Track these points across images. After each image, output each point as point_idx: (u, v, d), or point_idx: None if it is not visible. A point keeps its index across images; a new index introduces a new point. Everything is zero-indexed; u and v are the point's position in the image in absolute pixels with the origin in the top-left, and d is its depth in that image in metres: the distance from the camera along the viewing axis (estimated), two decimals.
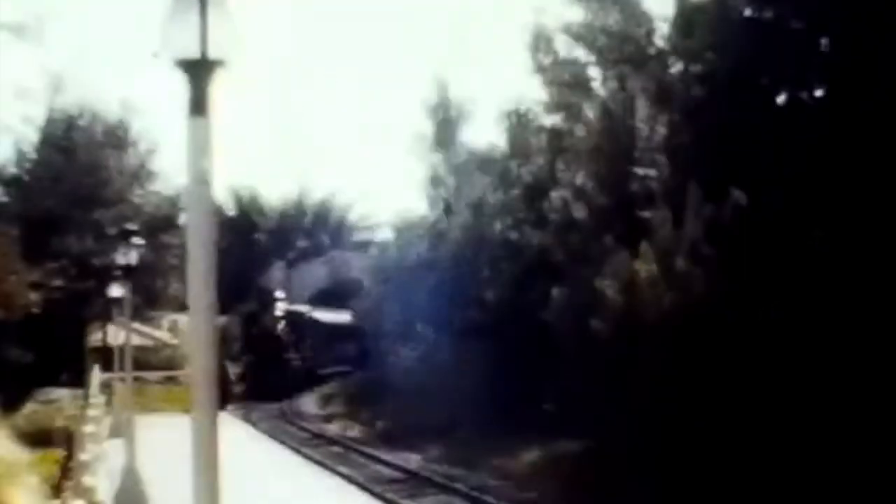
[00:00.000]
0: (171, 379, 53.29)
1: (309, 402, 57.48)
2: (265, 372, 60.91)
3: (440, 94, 49.10)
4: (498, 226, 38.81)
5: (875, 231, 21.18)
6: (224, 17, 6.69)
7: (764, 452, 21.43)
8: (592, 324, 25.74)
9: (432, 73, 49.78)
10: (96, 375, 41.37)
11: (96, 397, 36.42)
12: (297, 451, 35.13)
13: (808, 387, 21.38)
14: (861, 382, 20.74)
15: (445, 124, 48.83)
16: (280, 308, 65.72)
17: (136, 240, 24.66)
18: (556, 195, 30.90)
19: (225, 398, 53.12)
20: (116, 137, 54.72)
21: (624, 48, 29.91)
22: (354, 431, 45.32)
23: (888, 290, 20.73)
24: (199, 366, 6.95)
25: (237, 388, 57.57)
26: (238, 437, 34.42)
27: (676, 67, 28.51)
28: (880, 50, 22.41)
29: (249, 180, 74.63)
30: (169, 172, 55.89)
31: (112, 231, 45.88)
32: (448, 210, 45.58)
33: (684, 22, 27.36)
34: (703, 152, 25.09)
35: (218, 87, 6.77)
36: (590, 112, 30.79)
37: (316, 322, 64.70)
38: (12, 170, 52.53)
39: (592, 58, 32.07)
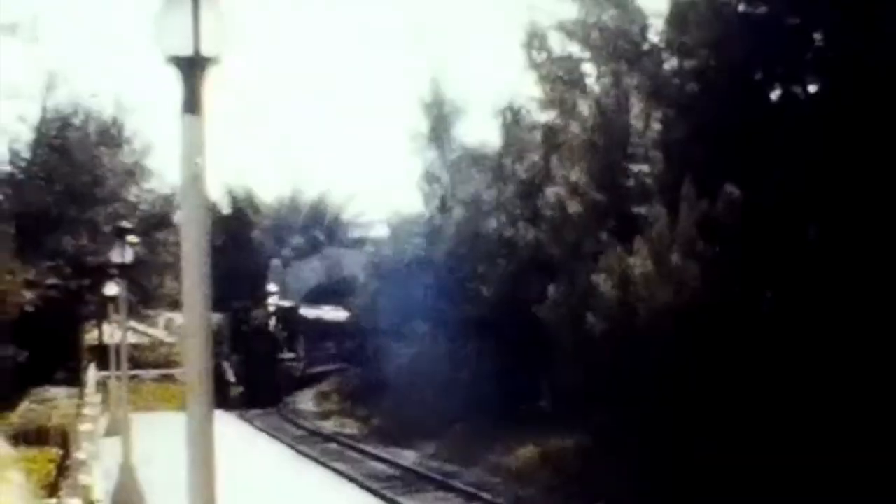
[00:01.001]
0: (167, 377, 53.30)
1: (304, 400, 57.49)
2: (258, 374, 58.03)
3: (435, 90, 49.10)
4: (493, 222, 38.82)
5: (869, 225, 21.20)
6: (217, 14, 6.70)
7: (762, 448, 21.46)
8: (587, 319, 25.76)
9: (427, 69, 49.73)
10: (92, 374, 41.42)
11: (92, 395, 36.49)
12: (293, 448, 35.21)
13: (803, 381, 21.41)
14: (856, 377, 20.77)
15: (440, 121, 48.82)
16: (273, 304, 62.42)
17: (132, 238, 24.68)
18: (550, 191, 30.91)
19: (224, 399, 52.85)
20: (111, 136, 54.64)
21: (618, 45, 29.90)
22: (351, 428, 45.36)
23: (883, 283, 20.76)
24: (193, 363, 6.96)
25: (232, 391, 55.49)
26: (234, 433, 34.41)
27: (670, 63, 28.52)
28: (873, 45, 22.44)
29: (244, 178, 74.46)
30: (164, 170, 55.85)
31: (107, 229, 45.93)
32: (443, 207, 45.61)
33: (678, 18, 27.35)
34: (697, 148, 25.11)
35: (211, 84, 6.78)
36: (584, 108, 30.78)
37: (310, 319, 63.17)
38: (6, 168, 52.44)
39: (586, 54, 32.05)
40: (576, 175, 29.85)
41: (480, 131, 44.77)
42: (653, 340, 23.56)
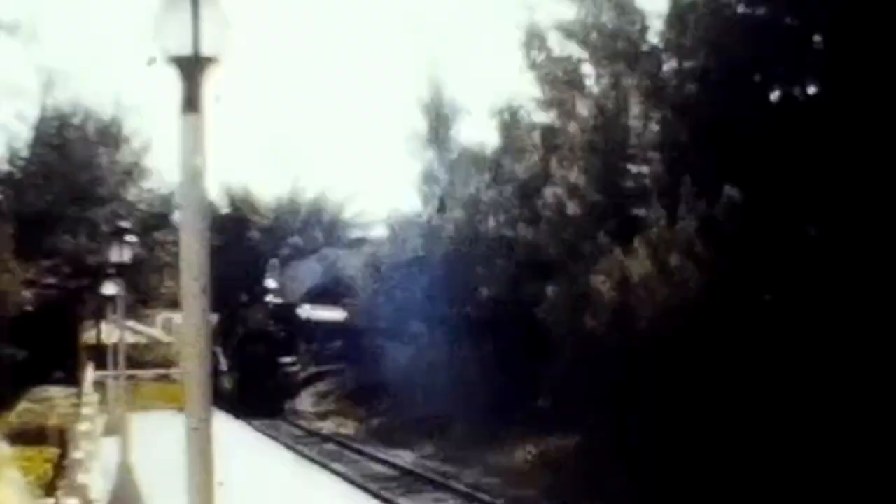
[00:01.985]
0: (164, 376, 53.25)
1: (302, 400, 57.38)
2: (254, 379, 52.69)
3: (433, 91, 49.09)
4: (492, 223, 38.81)
5: (869, 227, 21.18)
6: (216, 13, 6.68)
7: (758, 448, 21.46)
8: (586, 320, 25.75)
9: (426, 70, 49.71)
10: (90, 373, 41.37)
11: (90, 395, 36.42)
12: (292, 449, 35.17)
13: (803, 383, 21.40)
14: (856, 380, 20.75)
15: (439, 121, 48.81)
16: (271, 302, 57.28)
17: (130, 238, 24.66)
18: (549, 192, 30.89)
19: (217, 393, 52.82)
20: (110, 135, 54.67)
21: (617, 45, 29.90)
22: (348, 429, 45.33)
23: (883, 285, 20.74)
24: (192, 366, 6.93)
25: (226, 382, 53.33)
26: (230, 431, 34.38)
27: (670, 64, 28.51)
28: (873, 47, 22.42)
29: (242, 177, 74.46)
30: (162, 170, 55.86)
31: (106, 229, 45.93)
32: (442, 207, 45.57)
33: (678, 19, 27.35)
34: (696, 149, 25.11)
35: (210, 83, 6.76)
36: (583, 109, 30.76)
37: (309, 319, 61.71)
38: (5, 167, 52.46)
39: (586, 55, 32.05)
40: (575, 176, 29.84)
41: (479, 132, 44.71)
42: (652, 342, 23.55)
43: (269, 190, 75.84)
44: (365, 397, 49.66)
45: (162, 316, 64.77)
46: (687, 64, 27.10)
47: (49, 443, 24.16)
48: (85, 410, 30.77)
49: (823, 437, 20.74)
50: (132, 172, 55.63)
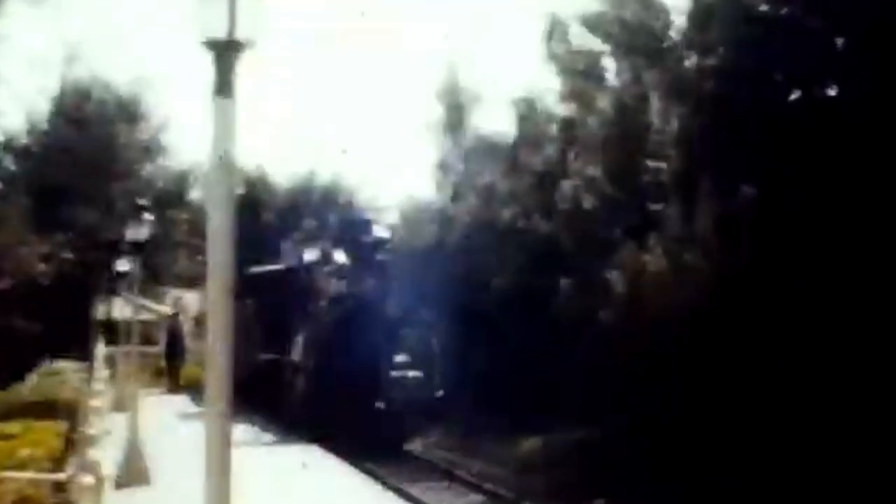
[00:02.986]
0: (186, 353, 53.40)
1: None
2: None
3: (451, 78, 49.05)
4: (506, 213, 38.79)
5: (889, 229, 21.18)
6: None
7: (769, 445, 21.49)
8: (599, 315, 25.79)
9: (445, 57, 49.74)
10: (101, 349, 41.50)
11: (101, 371, 36.54)
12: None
13: (816, 382, 21.41)
14: (868, 381, 20.76)
15: (456, 109, 48.77)
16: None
17: (147, 215, 24.74)
18: (566, 185, 30.92)
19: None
20: (129, 111, 54.77)
21: (639, 40, 29.89)
22: None
23: None
24: (214, 358, 6.95)
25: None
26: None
27: (691, 61, 28.49)
28: (891, 51, 22.42)
29: (258, 158, 74.36)
30: (179, 148, 55.99)
31: (121, 205, 46.05)
32: (456, 195, 45.56)
33: (700, 15, 27.33)
34: (715, 147, 25.10)
35: (243, 67, 6.81)
36: (603, 103, 30.77)
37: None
38: (24, 140, 52.59)
39: (607, 48, 32.05)
40: (592, 169, 29.87)
41: (497, 121, 44.57)
42: (665, 338, 23.58)
43: (284, 171, 75.77)
44: None
45: (173, 294, 64.87)
46: (708, 61, 27.07)
47: (59, 417, 24.17)
48: (96, 386, 30.88)
49: (834, 432, 20.77)
50: (149, 149, 55.75)
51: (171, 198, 54.86)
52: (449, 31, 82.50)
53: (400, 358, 33.30)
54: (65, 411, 24.78)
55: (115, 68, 66.74)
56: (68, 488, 16.98)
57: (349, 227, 40.09)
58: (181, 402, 43.45)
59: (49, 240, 46.16)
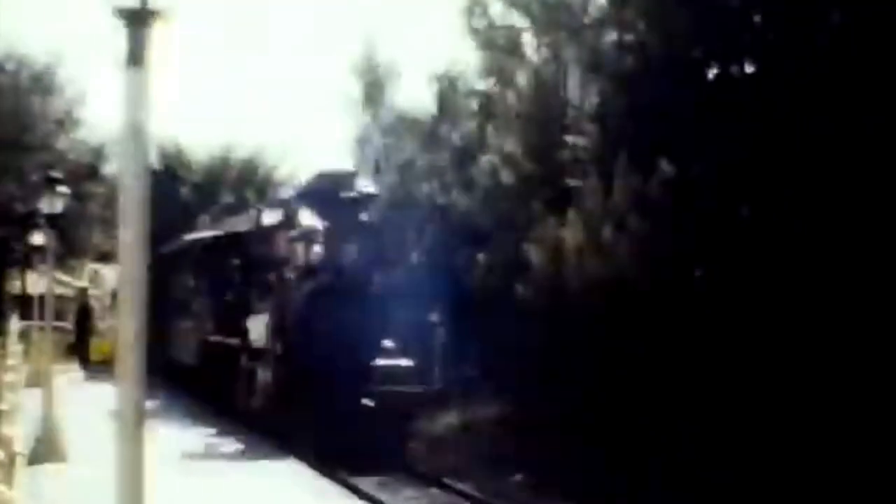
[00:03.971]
0: (97, 329, 52.94)
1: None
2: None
3: (369, 52, 48.88)
4: (426, 188, 38.74)
5: (803, 206, 21.36)
6: None
7: (686, 420, 21.64)
8: (517, 289, 25.83)
9: (363, 31, 49.57)
10: (15, 323, 41.04)
11: (15, 346, 36.13)
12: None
13: (731, 357, 21.58)
14: (785, 355, 20.94)
15: (374, 84, 48.63)
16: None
17: (62, 188, 24.44)
18: (484, 160, 30.94)
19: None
20: (42, 83, 54.12)
21: (559, 16, 29.92)
22: None
23: (815, 262, 20.94)
24: (126, 327, 6.87)
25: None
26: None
27: (609, 37, 28.53)
28: (809, 28, 22.58)
29: (174, 132, 73.72)
30: (94, 121, 55.43)
31: (35, 178, 45.47)
32: (376, 171, 45.44)
33: None
34: (633, 123, 25.18)
35: (156, 37, 6.70)
36: (522, 79, 30.78)
37: None
38: None
39: (527, 24, 32.04)
40: (510, 145, 29.88)
41: (416, 96, 44.49)
42: (582, 312, 23.68)
43: (201, 146, 75.24)
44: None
45: (89, 267, 64.32)
46: (627, 37, 27.13)
47: None
48: (9, 361, 30.54)
49: (758, 409, 20.95)
50: (64, 122, 55.12)
51: (87, 171, 54.27)
52: (368, 4, 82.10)
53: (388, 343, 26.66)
54: None
55: (29, 39, 65.85)
56: None
57: (324, 180, 31.65)
58: (95, 376, 43.05)
59: None
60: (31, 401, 25.92)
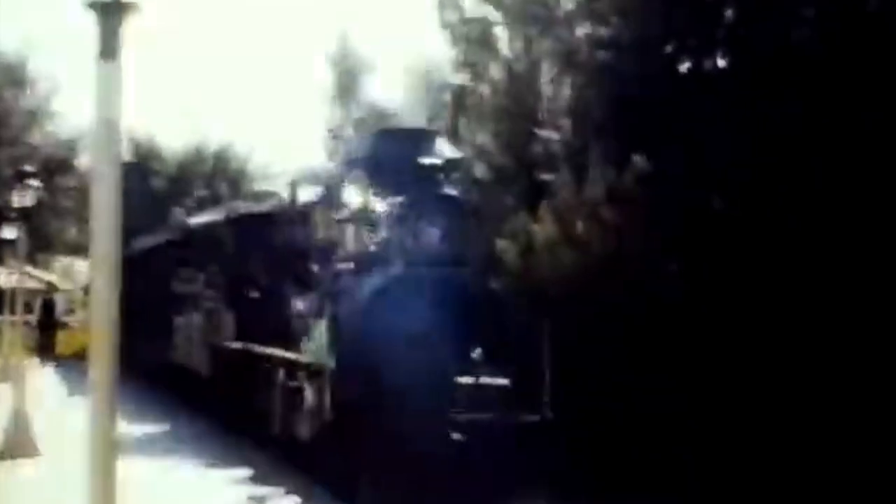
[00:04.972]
0: (63, 324, 52.76)
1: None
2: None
3: (343, 46, 48.92)
4: None
5: (777, 199, 21.45)
6: None
7: (659, 415, 21.68)
8: (489, 283, 25.82)
9: (337, 24, 49.58)
10: None
11: None
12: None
13: (706, 350, 21.64)
14: (758, 347, 21.00)
15: (347, 77, 48.71)
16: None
17: (33, 182, 24.40)
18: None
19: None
20: (14, 76, 53.94)
21: (532, 9, 29.92)
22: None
23: (791, 255, 21.02)
24: (99, 319, 6.85)
25: None
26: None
27: (583, 30, 28.56)
28: (780, 24, 22.68)
29: (148, 125, 73.60)
30: (67, 114, 55.33)
31: (7, 171, 45.31)
32: (346, 164, 45.40)
33: None
34: (606, 116, 25.22)
35: (130, 30, 6.68)
36: (495, 72, 30.78)
37: None
38: None
39: (500, 17, 32.03)
40: (483, 138, 29.87)
41: (389, 89, 44.59)
42: (555, 306, 23.66)
43: (174, 139, 75.15)
44: None
45: (61, 262, 64.09)
46: (600, 31, 27.15)
47: None
48: None
49: (731, 403, 21.00)
50: (37, 115, 54.95)
51: (59, 164, 54.08)
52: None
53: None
54: None
55: (2, 31, 65.60)
56: None
57: (389, 141, 24.55)
58: (65, 372, 42.92)
59: None
60: (2, 395, 25.85)
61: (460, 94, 34.37)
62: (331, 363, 20.34)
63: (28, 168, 25.80)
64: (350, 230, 22.95)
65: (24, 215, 24.67)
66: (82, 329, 46.87)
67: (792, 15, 22.64)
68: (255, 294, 27.55)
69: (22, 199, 23.69)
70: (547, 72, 28.52)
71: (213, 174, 73.87)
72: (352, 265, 22.47)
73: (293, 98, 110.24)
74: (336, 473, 20.06)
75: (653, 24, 24.64)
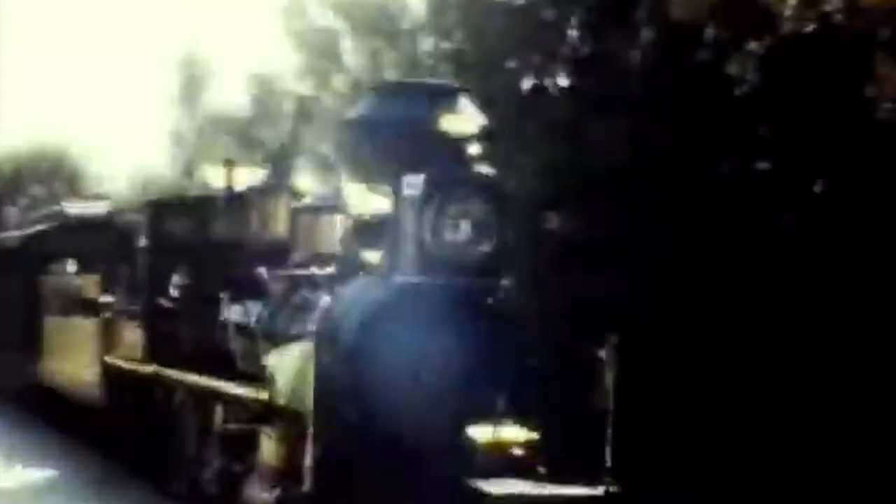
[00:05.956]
0: None
1: None
2: None
3: (186, 50, 48.59)
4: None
5: (615, 218, 21.66)
6: None
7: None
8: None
9: (180, 28, 49.29)
10: None
11: None
12: None
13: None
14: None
15: (191, 81, 48.35)
16: None
17: None
18: (300, 163, 30.85)
19: None
20: None
21: (377, 21, 30.06)
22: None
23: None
24: None
25: None
26: None
27: (428, 44, 28.78)
28: (620, 41, 23.01)
29: None
30: None
31: None
32: (188, 168, 45.12)
33: (437, 1, 27.61)
34: None
35: None
36: (339, 82, 30.86)
37: None
38: None
39: (346, 27, 32.12)
40: (326, 148, 29.89)
41: (233, 95, 44.30)
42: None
43: (10, 137, 73.75)
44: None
45: None
46: (443, 44, 27.36)
47: None
48: None
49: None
50: None
51: None
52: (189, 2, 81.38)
53: None
54: None
55: None
56: None
57: (396, 99, 14.92)
58: None
59: None
60: None
61: (303, 102, 34.33)
62: (303, 405, 13.12)
63: None
64: (321, 222, 16.79)
65: None
66: None
67: (631, 39, 22.98)
68: (167, 303, 20.54)
69: None
70: None
71: (51, 174, 72.62)
72: (328, 270, 15.41)
73: (136, 101, 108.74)
74: None
75: (495, 41, 24.85)
